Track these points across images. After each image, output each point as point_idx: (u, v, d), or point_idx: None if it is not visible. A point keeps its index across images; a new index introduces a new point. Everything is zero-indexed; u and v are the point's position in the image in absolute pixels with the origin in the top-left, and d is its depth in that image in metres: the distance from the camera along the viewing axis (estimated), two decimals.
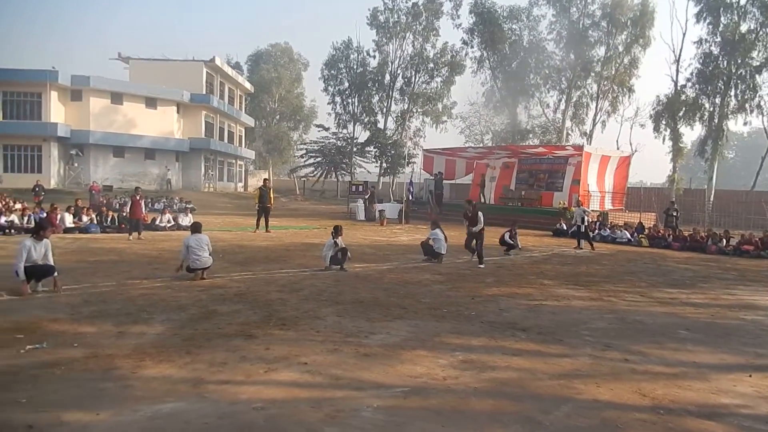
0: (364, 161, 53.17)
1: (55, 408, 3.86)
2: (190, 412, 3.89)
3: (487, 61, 45.52)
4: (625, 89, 40.72)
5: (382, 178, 51.50)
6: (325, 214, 29.38)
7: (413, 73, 50.99)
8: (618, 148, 36.65)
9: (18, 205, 19.33)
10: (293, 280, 9.31)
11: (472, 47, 46.11)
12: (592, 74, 41.39)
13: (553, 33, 42.40)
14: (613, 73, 40.10)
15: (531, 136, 45.66)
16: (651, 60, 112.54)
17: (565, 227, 20.81)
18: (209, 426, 3.70)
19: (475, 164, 33.00)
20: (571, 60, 41.52)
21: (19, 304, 6.95)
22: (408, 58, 50.63)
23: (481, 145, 43.98)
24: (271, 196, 18.37)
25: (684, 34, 34.85)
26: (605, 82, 40.82)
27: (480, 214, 12.49)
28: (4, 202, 21.14)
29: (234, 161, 53.11)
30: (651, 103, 35.80)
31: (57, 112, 36.78)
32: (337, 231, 10.80)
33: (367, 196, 26.87)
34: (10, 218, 15.55)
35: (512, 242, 14.34)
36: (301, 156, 56.34)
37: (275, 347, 5.48)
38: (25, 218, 15.85)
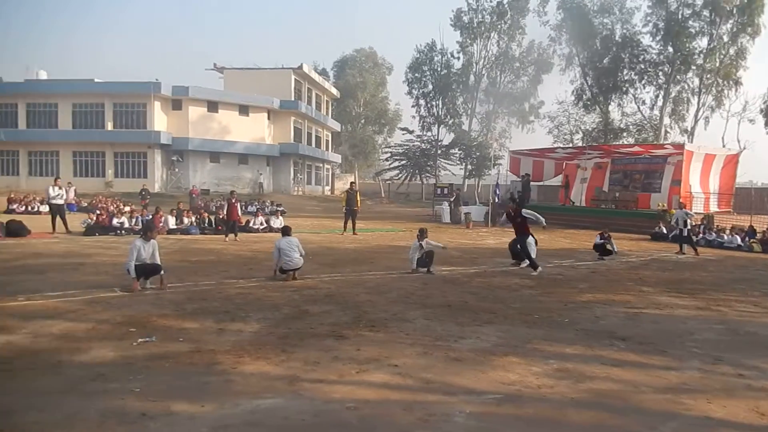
0: (448, 163, 52.89)
1: (165, 398, 4.12)
2: (287, 409, 4.01)
3: (576, 58, 43.94)
4: (731, 82, 37.90)
5: (467, 180, 50.99)
6: (411, 217, 29.48)
7: (498, 73, 50.20)
8: (724, 146, 34.09)
9: (127, 208, 20.89)
10: (381, 283, 9.40)
11: (560, 44, 44.78)
12: (693, 67, 38.83)
13: (649, 25, 40.22)
14: (717, 65, 37.42)
15: (625, 134, 43.53)
16: (761, 50, 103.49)
17: (664, 230, 19.60)
18: (306, 423, 3.79)
19: (564, 165, 31.85)
20: (669, 53, 39.19)
21: (131, 299, 7.49)
22: (493, 58, 49.91)
23: (570, 145, 42.41)
24: (358, 199, 18.68)
25: None
26: (708, 76, 38.17)
27: (528, 212, 11.38)
28: (115, 205, 22.96)
29: (321, 165, 54.57)
30: (762, 97, 33.09)
31: (160, 120, 39.51)
32: (422, 234, 10.77)
33: (452, 199, 26.69)
34: (121, 220, 16.83)
35: (609, 248, 13.64)
36: (386, 159, 56.90)
37: (366, 348, 5.54)
38: (134, 220, 17.10)
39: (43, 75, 44.05)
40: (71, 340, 5.52)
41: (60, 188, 16.03)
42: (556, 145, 41.05)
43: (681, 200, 17.95)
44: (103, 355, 5.09)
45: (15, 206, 25.48)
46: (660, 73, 40.91)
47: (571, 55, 44.25)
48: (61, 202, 16.17)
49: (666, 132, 40.70)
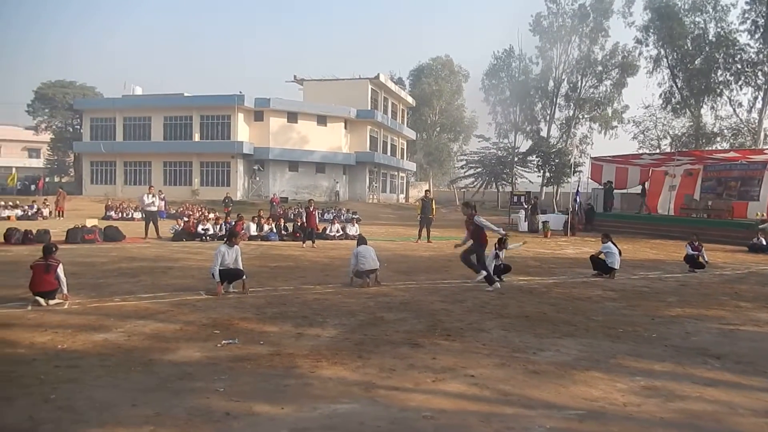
0: (525, 171, 51.70)
1: (247, 399, 4.26)
2: (364, 415, 4.03)
3: (664, 60, 41.85)
4: None
5: (545, 188, 49.65)
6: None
7: (579, 77, 48.67)
8: None
9: (212, 215, 21.92)
10: (456, 291, 9.30)
11: (647, 46, 42.88)
12: None
13: (747, 23, 37.64)
14: None
15: (719, 139, 40.90)
16: None
17: (764, 242, 18.18)
18: (382, 430, 3.80)
19: (650, 172, 30.32)
20: None
21: (215, 302, 7.83)
22: (574, 62, 48.47)
23: (657, 151, 40.32)
24: (433, 206, 18.63)
25: None
26: None
27: (482, 221, 9.86)
28: (200, 213, 24.16)
29: (396, 173, 54.96)
30: None
31: (243, 131, 41.30)
32: (501, 243, 10.56)
33: (529, 207, 26.05)
34: (206, 226, 17.67)
35: (702, 260, 12.78)
36: (461, 167, 56.46)
37: (441, 357, 5.49)
38: (218, 227, 17.91)
39: (138, 90, 47.30)
40: (161, 340, 5.84)
41: (154, 196, 17.07)
42: (641, 151, 39.21)
43: None
44: (190, 355, 5.35)
45: (112, 213, 27.45)
46: (759, 74, 38.15)
47: (659, 56, 42.21)
48: (155, 209, 17.21)
49: (765, 136, 37.84)
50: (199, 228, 17.42)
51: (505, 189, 48.94)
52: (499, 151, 51.57)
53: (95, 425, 3.77)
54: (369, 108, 46.14)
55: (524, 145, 51.90)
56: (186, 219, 19.18)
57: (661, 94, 43.42)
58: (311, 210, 16.58)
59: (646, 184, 29.15)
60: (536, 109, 51.55)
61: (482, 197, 52.16)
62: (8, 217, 23.91)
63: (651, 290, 10.07)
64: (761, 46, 37.42)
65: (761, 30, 36.44)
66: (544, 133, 51.10)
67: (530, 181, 51.34)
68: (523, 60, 50.83)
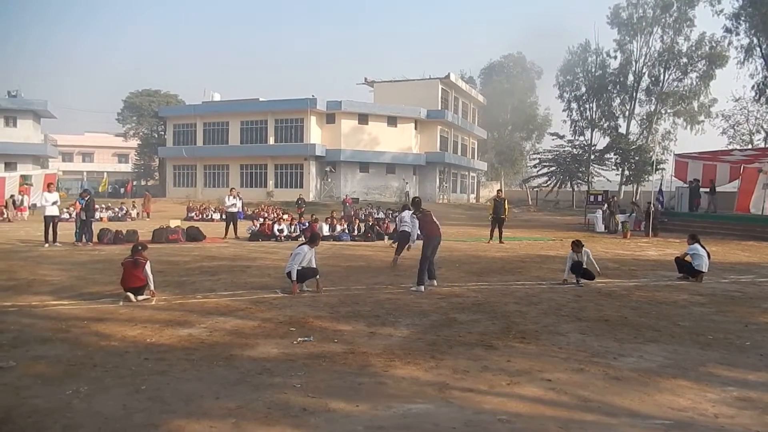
0: (602, 169, 49.81)
1: (323, 395, 4.34)
2: (438, 415, 4.02)
3: (757, 49, 39.04)
4: None
5: (623, 186, 47.58)
6: (560, 226, 28.19)
7: (662, 70, 46.35)
8: None
9: (286, 216, 22.55)
10: (530, 293, 9.08)
11: (737, 35, 40.13)
12: None
13: None
14: None
15: None
16: None
17: None
18: (456, 431, 3.77)
19: (741, 169, 28.35)
20: None
21: (290, 301, 8.04)
22: (656, 55, 46.25)
23: (749, 146, 37.67)
24: (506, 206, 18.28)
25: None
26: None
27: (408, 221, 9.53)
28: (276, 214, 24.91)
29: (467, 173, 54.42)
30: None
31: (315, 134, 42.25)
32: (578, 245, 10.11)
33: (607, 206, 25.03)
34: (281, 227, 18.19)
35: None
36: (534, 166, 55.11)
37: (516, 360, 5.38)
38: (292, 227, 18.40)
39: (217, 97, 49.47)
40: (241, 336, 6.06)
41: (235, 198, 17.77)
42: (731, 147, 36.79)
43: None
44: (268, 351, 5.52)
45: (193, 214, 28.83)
46: None
47: (751, 45, 39.41)
48: (235, 210, 17.92)
49: None
50: (275, 228, 17.96)
51: (581, 188, 47.35)
52: (575, 149, 49.99)
53: (182, 416, 3.97)
54: (439, 108, 45.96)
55: (601, 142, 50.08)
56: (261, 220, 19.82)
57: (753, 86, 40.53)
58: (314, 221, 17.67)
59: (745, 182, 27.28)
60: (614, 104, 49.58)
61: (556, 197, 50.72)
62: (100, 219, 25.63)
63: (743, 295, 9.41)
64: None
65: None
66: (622, 130, 49.05)
67: (608, 180, 49.39)
68: (600, 54, 49.02)
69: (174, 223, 17.95)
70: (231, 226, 17.62)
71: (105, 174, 57.90)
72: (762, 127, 41.70)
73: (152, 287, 7.92)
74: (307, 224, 18.29)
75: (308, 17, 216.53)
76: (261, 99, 45.29)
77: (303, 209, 28.11)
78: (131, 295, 7.70)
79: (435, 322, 6.86)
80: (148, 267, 7.84)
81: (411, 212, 10.07)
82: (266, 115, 43.25)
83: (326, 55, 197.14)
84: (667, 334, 6.54)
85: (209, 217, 28.43)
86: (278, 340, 5.93)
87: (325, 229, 18.15)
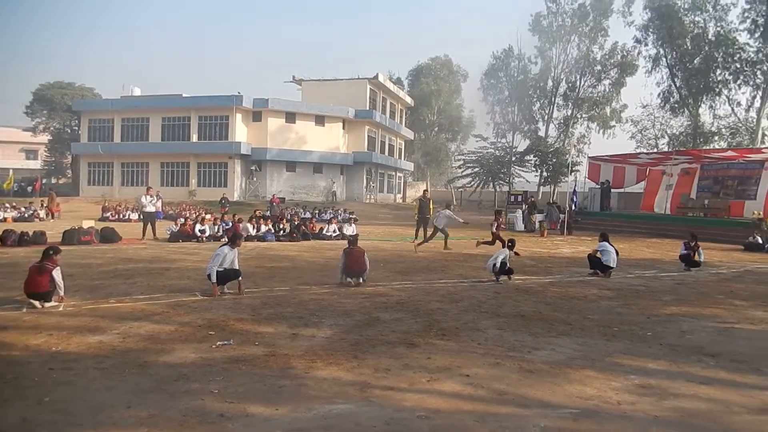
0: (523, 171, 51.72)
1: (242, 400, 4.26)
2: (359, 415, 4.04)
3: (663, 59, 41.91)
4: None
5: (542, 187, 49.66)
6: (483, 225, 29.00)
7: (578, 77, 48.67)
8: None
9: (209, 216, 21.91)
10: (453, 291, 9.31)
11: (646, 45, 42.91)
12: None
13: (747, 22, 37.65)
14: None
15: (716, 138, 40.93)
16: None
17: (759, 240, 18.22)
18: (377, 430, 3.80)
19: (648, 171, 30.38)
20: None
21: (210, 303, 7.82)
22: (573, 62, 48.46)
23: (655, 150, 40.35)
24: (431, 206, 18.62)
25: None
26: None
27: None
28: (197, 213, 24.14)
29: (394, 173, 54.95)
30: None
31: (240, 132, 41.26)
32: (513, 244, 10.70)
33: (526, 207, 26.08)
34: (203, 227, 17.64)
35: (697, 258, 12.80)
36: (459, 167, 56.46)
37: (437, 357, 5.50)
38: (216, 228, 17.89)
39: (137, 91, 47.25)
40: (156, 342, 5.83)
41: (152, 197, 17.04)
42: (639, 151, 39.26)
43: None
44: (185, 356, 5.34)
45: (108, 214, 27.40)
46: (758, 73, 38.19)
47: (658, 56, 42.25)
48: (153, 210, 17.19)
49: (763, 135, 37.90)
50: (196, 229, 17.40)
51: (503, 189, 49.00)
52: (497, 151, 51.59)
53: (90, 427, 3.77)
54: (367, 108, 46.11)
55: (522, 144, 51.99)
56: (183, 220, 19.14)
57: (659, 94, 43.48)
58: (237, 221, 17.39)
59: (650, 183, 29.23)
60: (534, 108, 51.55)
61: (480, 197, 52.20)
62: (4, 219, 23.84)
63: (647, 289, 10.09)
64: (761, 45, 37.43)
65: (761, 29, 36.43)
66: (542, 133, 51.12)
67: (528, 181, 51.37)
68: (522, 60, 50.89)
69: (87, 224, 16.96)
70: (149, 227, 16.91)
71: (10, 171, 53.80)
72: (666, 132, 44.78)
73: (62, 293, 7.46)
74: (230, 224, 17.84)
75: (235, 12, 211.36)
76: (184, 95, 43.69)
77: (227, 209, 27.40)
78: (35, 302, 7.22)
79: (359, 322, 6.89)
80: (57, 273, 7.36)
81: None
82: (189, 111, 41.76)
83: (254, 53, 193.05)
84: (577, 328, 6.91)
85: (126, 217, 27.09)
86: (196, 344, 5.76)
87: (250, 229, 17.78)
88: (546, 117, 51.15)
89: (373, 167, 48.28)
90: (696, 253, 12.81)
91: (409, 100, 56.79)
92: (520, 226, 24.97)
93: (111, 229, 16.57)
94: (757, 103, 38.24)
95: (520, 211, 25.94)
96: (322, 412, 4.08)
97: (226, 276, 8.44)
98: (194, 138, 41.69)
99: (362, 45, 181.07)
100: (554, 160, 47.39)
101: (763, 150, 25.54)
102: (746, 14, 37.61)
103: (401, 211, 38.75)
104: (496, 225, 15.78)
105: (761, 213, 21.19)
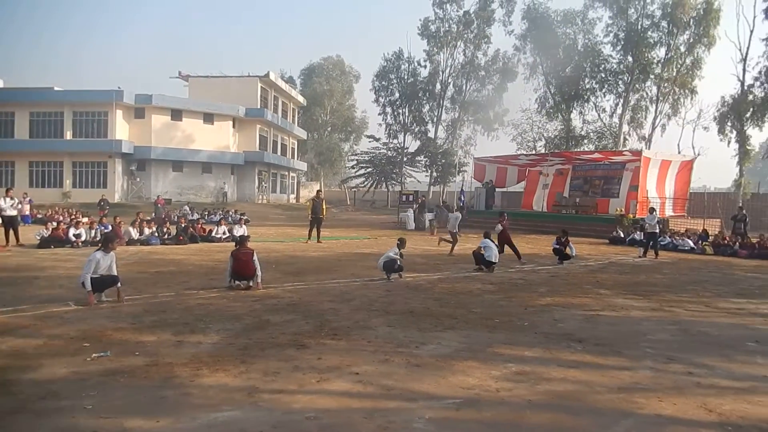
0: (414, 171, 53.30)
1: (119, 415, 4.01)
2: (246, 421, 3.96)
3: (540, 67, 44.93)
4: (687, 91, 39.27)
5: (432, 187, 51.38)
6: (376, 224, 29.52)
7: (464, 81, 50.90)
8: (679, 152, 35.26)
9: (85, 219, 20.32)
10: (345, 290, 9.38)
11: (524, 53, 45.76)
12: (652, 76, 40.13)
13: (610, 35, 41.44)
14: (674, 74, 38.75)
15: (586, 141, 44.60)
16: (715, 60, 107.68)
17: (622, 235, 20.13)
18: None
19: (527, 172, 32.46)
20: (628, 63, 40.40)
21: (86, 313, 7.28)
22: (459, 67, 50.61)
23: (533, 152, 43.22)
24: (324, 206, 18.62)
25: (752, 32, 33.42)
26: (666, 84, 39.48)
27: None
28: (72, 217, 22.30)
29: (287, 173, 54.22)
30: (715, 105, 34.50)
31: (121, 129, 38.69)
32: (402, 243, 10.95)
33: (417, 206, 26.85)
34: (78, 231, 16.34)
35: (568, 252, 13.92)
36: (352, 167, 57.00)
37: (327, 357, 5.52)
38: (93, 232, 16.64)
39: (0, 83, 42.71)
40: (21, 357, 5.33)
41: (12, 199, 15.49)
42: (519, 152, 41.81)
43: (653, 206, 18.41)
44: (54, 372, 4.93)
45: None
46: (620, 82, 42.12)
47: (535, 63, 45.22)
48: (14, 213, 15.61)
49: (625, 139, 41.89)
50: (71, 233, 16.08)
51: (395, 188, 50.08)
52: (389, 152, 52.72)
53: None
54: (259, 107, 45.11)
55: (413, 145, 53.48)
56: (55, 224, 17.59)
57: (536, 99, 46.63)
58: (118, 224, 16.89)
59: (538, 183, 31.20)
60: (424, 110, 53.20)
61: (373, 196, 52.99)
62: None
63: (525, 282, 10.80)
64: (621, 57, 41.32)
65: (622, 43, 40.22)
66: (431, 134, 52.88)
67: (419, 181, 52.95)
68: (412, 63, 52.28)
69: None
70: (12, 232, 15.35)
71: None
72: (543, 135, 48.06)
73: None
74: (110, 227, 16.70)
75: (114, 5, 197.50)
76: (57, 88, 40.10)
77: (106, 211, 25.57)
78: None
79: (248, 326, 6.74)
80: None
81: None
82: (63, 106, 38.40)
83: (138, 49, 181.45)
84: (462, 321, 7.24)
85: None
86: (69, 358, 5.33)
87: (132, 233, 16.75)
88: (435, 119, 52.98)
89: (265, 167, 47.34)
90: (567, 247, 13.91)
91: (301, 99, 56.33)
92: (412, 225, 25.65)
93: None
94: (619, 110, 42.19)
95: (411, 210, 26.64)
96: (206, 420, 3.96)
97: (103, 283, 7.89)
98: (68, 135, 38.46)
99: (253, 43, 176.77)
100: (443, 160, 49.24)
101: (624, 152, 28.22)
102: (609, 29, 41.43)
103: (294, 212, 38.34)
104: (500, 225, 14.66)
105: (623, 209, 23.42)
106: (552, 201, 29.16)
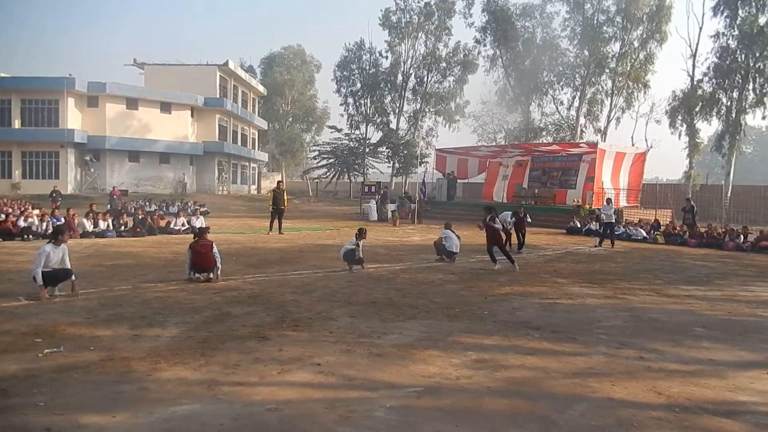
0: (376, 162, 53.19)
1: (73, 411, 3.91)
2: (205, 414, 3.92)
3: (500, 60, 45.34)
4: (640, 85, 40.29)
5: (394, 178, 51.47)
6: (338, 215, 29.45)
7: (426, 72, 50.95)
8: (633, 145, 36.30)
9: (36, 211, 19.58)
10: (307, 282, 9.35)
11: (484, 46, 46.00)
12: (607, 71, 41.03)
13: (567, 30, 42.11)
14: (628, 69, 39.73)
15: (544, 133, 45.41)
16: (667, 55, 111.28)
17: (578, 225, 20.65)
18: (224, 427, 3.73)
19: (488, 163, 32.88)
20: (585, 57, 41.21)
21: (37, 308, 7.05)
22: (420, 58, 50.60)
23: (494, 143, 43.80)
24: (285, 198, 18.46)
25: (700, 28, 34.50)
26: (620, 79, 40.44)
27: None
28: (22, 209, 21.45)
29: (247, 164, 53.45)
30: (667, 99, 35.51)
31: (74, 118, 37.33)
32: (361, 233, 10.89)
33: (379, 197, 26.91)
34: (27, 224, 15.74)
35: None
36: (314, 158, 56.47)
37: (289, 348, 5.51)
38: (44, 224, 16.06)
39: None
40: None
41: None
42: (480, 144, 42.30)
43: (610, 197, 18.91)
44: (3, 368, 4.76)
45: None
46: (576, 76, 42.95)
47: (495, 56, 45.63)
48: None
49: (581, 131, 42.80)
50: (20, 224, 15.47)
51: (357, 179, 49.96)
52: (351, 142, 52.45)
53: None
54: (218, 96, 44.22)
55: (375, 136, 53.38)
56: (3, 216, 16.89)
57: (496, 91, 47.12)
58: (71, 216, 16.44)
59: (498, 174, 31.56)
60: (386, 101, 53.07)
61: (335, 187, 52.74)
62: None
63: (486, 272, 10.98)
64: (578, 51, 42.16)
65: (578, 37, 41.01)
66: (393, 125, 52.88)
67: (381, 172, 52.94)
68: (373, 53, 52.09)
69: None
70: None
71: None
72: (503, 127, 48.76)
73: None
74: (62, 220, 16.14)
75: None
76: (3, 75, 38.37)
77: (59, 203, 24.71)
78: None
79: (208, 318, 6.66)
80: None
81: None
82: (10, 94, 36.72)
83: (91, 36, 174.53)
84: (424, 311, 7.33)
85: None
86: (18, 354, 5.16)
87: (87, 225, 16.25)
88: (397, 110, 52.98)
89: (225, 157, 46.54)
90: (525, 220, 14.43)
91: (261, 89, 55.49)
92: (374, 216, 25.70)
93: None
94: (576, 103, 43.11)
95: (373, 201, 26.68)
96: (164, 414, 3.90)
97: (55, 277, 7.64)
98: (16, 124, 36.87)
99: (210, 31, 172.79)
100: (405, 151, 49.33)
101: (581, 144, 28.87)
102: (566, 23, 42.15)
103: (256, 203, 37.87)
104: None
105: (579, 200, 24.01)
106: (512, 192, 29.63)
